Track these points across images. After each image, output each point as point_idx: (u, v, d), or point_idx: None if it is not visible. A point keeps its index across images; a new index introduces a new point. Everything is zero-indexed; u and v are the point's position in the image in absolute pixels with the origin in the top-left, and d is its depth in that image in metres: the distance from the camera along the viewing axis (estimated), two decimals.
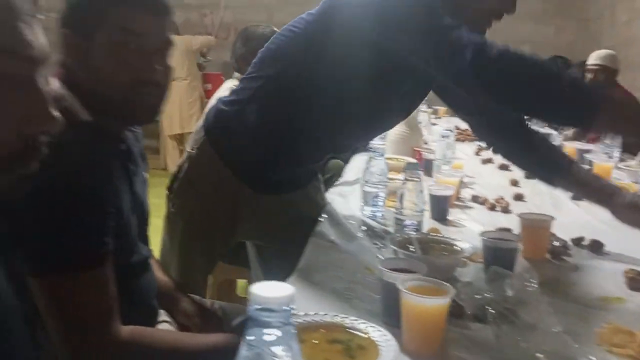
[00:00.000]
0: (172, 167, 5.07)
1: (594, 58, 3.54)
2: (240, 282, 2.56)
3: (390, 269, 0.92)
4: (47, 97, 0.56)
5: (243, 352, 0.47)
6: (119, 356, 0.90)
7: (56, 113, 0.56)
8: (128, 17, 0.93)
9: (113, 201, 0.91)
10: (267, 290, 0.46)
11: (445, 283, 0.85)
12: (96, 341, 0.88)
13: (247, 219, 1.49)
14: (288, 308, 0.47)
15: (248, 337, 0.47)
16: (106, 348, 0.89)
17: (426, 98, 5.01)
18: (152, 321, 1.15)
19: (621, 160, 2.27)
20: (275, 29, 2.06)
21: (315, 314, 0.82)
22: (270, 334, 0.46)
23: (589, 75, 3.54)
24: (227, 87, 2.22)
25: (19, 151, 0.54)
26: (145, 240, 1.11)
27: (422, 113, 2.92)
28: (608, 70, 3.46)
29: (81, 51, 0.93)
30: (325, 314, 0.83)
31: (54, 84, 0.93)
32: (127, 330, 0.92)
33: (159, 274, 1.26)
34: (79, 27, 0.93)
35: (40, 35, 0.55)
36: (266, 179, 1.46)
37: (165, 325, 1.21)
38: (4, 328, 0.64)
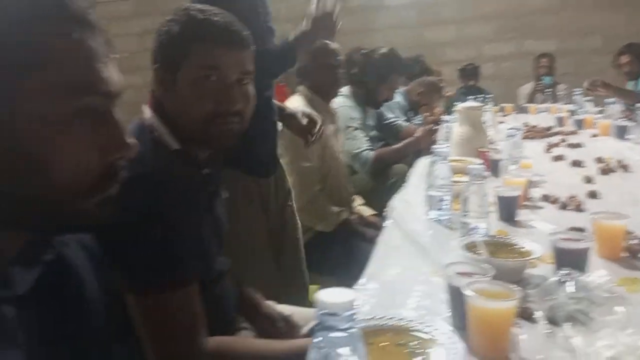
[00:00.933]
0: None
1: None
2: (313, 288, 2.61)
3: (456, 273, 0.92)
4: (122, 126, 0.62)
5: (312, 354, 0.51)
6: None
7: (131, 140, 0.63)
8: (208, 53, 1.01)
9: (198, 224, 1.00)
10: (331, 296, 0.49)
11: (512, 286, 0.85)
12: (186, 353, 0.95)
13: None
14: (351, 312, 0.50)
15: (315, 340, 0.50)
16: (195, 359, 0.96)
17: (492, 95, 4.84)
18: (232, 327, 1.22)
19: None
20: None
21: (382, 317, 0.85)
22: (336, 336, 0.50)
23: None
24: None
25: (100, 177, 0.61)
26: (221, 253, 1.19)
27: (487, 112, 2.85)
28: None
29: (168, 84, 1.02)
30: (392, 317, 0.85)
31: (147, 113, 1.03)
32: (212, 342, 0.99)
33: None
34: (167, 62, 1.02)
35: (115, 72, 0.62)
36: None
37: (244, 332, 1.27)
38: (99, 341, 0.71)
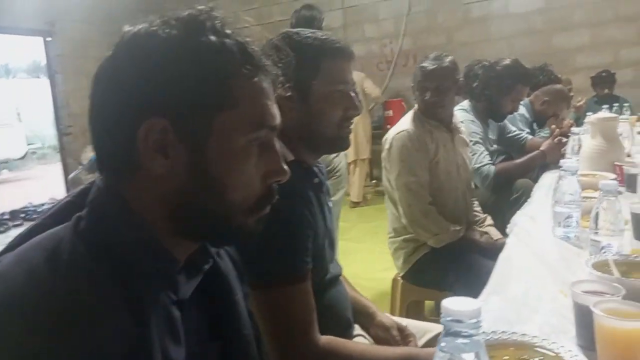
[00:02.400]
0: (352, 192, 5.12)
1: None
2: (429, 303, 2.60)
3: (583, 292, 0.91)
4: (281, 154, 0.73)
5: (437, 356, 0.56)
6: None
7: (286, 167, 0.73)
8: (338, 68, 1.15)
9: (313, 226, 1.10)
10: (457, 304, 0.54)
11: None
12: (300, 346, 1.04)
13: None
14: (476, 320, 0.54)
15: (441, 344, 0.55)
16: (308, 353, 1.05)
17: (629, 104, 4.47)
18: (347, 332, 1.29)
19: None
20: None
21: (504, 332, 0.86)
22: (461, 342, 0.54)
23: None
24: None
25: (260, 198, 0.71)
26: (334, 260, 1.28)
27: (623, 122, 2.66)
28: None
29: (296, 100, 1.13)
30: (515, 332, 0.86)
31: None
32: (324, 339, 1.07)
33: (352, 292, 1.40)
34: (297, 81, 1.12)
35: (276, 107, 0.73)
36: None
37: (359, 338, 1.34)
38: (246, 343, 0.80)
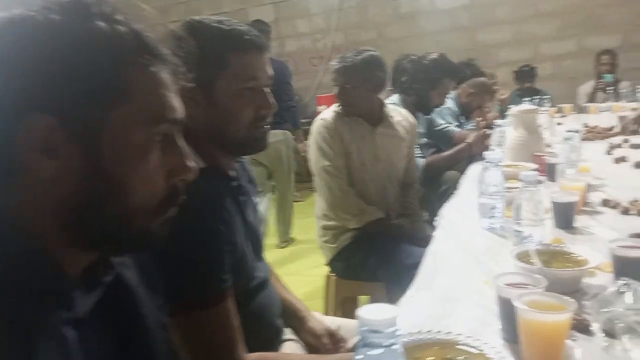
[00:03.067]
0: None
1: None
2: (364, 299, 2.60)
3: (507, 284, 0.91)
4: (186, 151, 0.67)
5: None
6: None
7: (193, 164, 0.67)
8: (247, 63, 1.03)
9: (230, 239, 1.00)
10: (372, 313, 0.50)
11: (566, 297, 0.82)
12: None
13: None
14: (393, 328, 0.51)
15: (357, 357, 0.51)
16: None
17: (550, 96, 4.71)
18: (277, 339, 1.23)
19: None
20: None
21: (428, 331, 0.84)
22: (377, 354, 0.50)
23: None
24: None
25: (166, 198, 0.65)
26: (261, 260, 1.20)
27: (543, 114, 2.76)
28: None
29: (200, 100, 1.02)
30: (439, 331, 0.85)
31: None
32: (253, 357, 1.00)
33: (284, 293, 1.35)
34: (200, 78, 1.00)
35: (178, 99, 0.66)
36: None
37: (290, 344, 1.28)
38: None
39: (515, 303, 0.81)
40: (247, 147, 1.09)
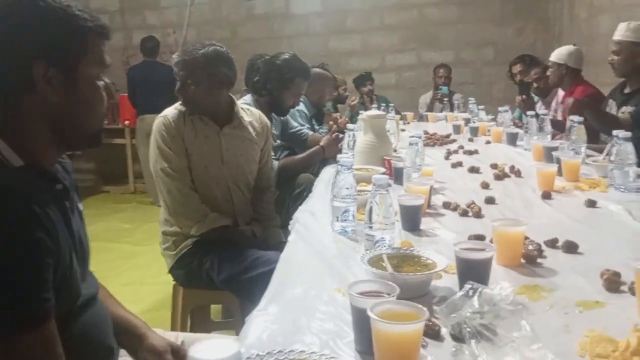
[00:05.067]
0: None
1: (552, 55, 3.56)
2: (215, 307, 2.48)
3: (360, 293, 0.87)
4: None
5: None
6: None
7: None
8: (102, 49, 0.98)
9: (53, 251, 0.85)
10: (208, 352, 0.40)
11: (418, 305, 0.80)
12: None
13: None
14: None
15: None
16: None
17: (393, 104, 4.99)
18: None
19: (588, 156, 2.28)
20: None
21: (279, 351, 0.77)
22: None
23: (550, 71, 3.56)
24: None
25: None
26: (89, 275, 1.05)
27: (390, 120, 2.88)
28: (566, 67, 3.46)
29: (59, 85, 0.92)
30: (291, 350, 0.77)
31: None
32: None
33: (118, 310, 1.19)
34: (58, 61, 0.92)
35: None
36: None
37: None
38: None
39: (370, 314, 0.77)
40: (95, 141, 1.02)
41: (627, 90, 2.82)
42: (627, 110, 2.71)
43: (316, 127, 3.56)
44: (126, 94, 5.49)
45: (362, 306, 0.82)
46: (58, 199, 0.94)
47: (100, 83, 0.99)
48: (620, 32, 2.76)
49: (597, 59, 4.12)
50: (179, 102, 2.02)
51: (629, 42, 2.71)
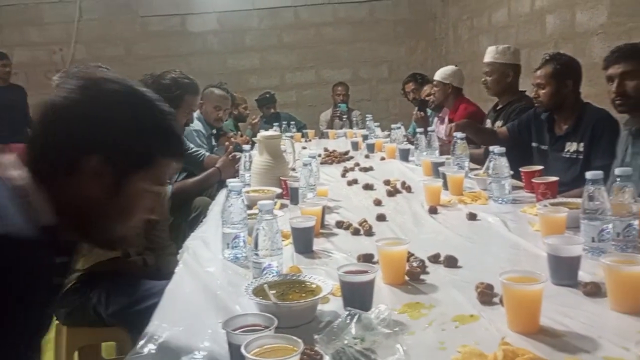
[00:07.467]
0: None
1: (437, 75, 3.77)
2: (105, 344, 2.31)
3: (237, 328, 0.84)
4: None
5: None
6: None
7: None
8: (166, 168, 0.99)
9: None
10: None
11: (293, 338, 0.79)
12: None
13: None
14: None
15: None
16: None
17: (293, 122, 5.02)
18: None
19: (471, 169, 2.42)
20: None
21: None
22: None
23: (435, 89, 3.77)
24: None
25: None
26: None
27: (287, 139, 2.89)
28: (447, 86, 3.68)
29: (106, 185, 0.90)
30: None
31: (18, 171, 0.87)
32: None
33: None
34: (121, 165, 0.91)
35: None
36: None
37: None
38: None
39: (243, 351, 0.74)
40: (112, 246, 1.06)
41: (499, 107, 3.08)
42: (498, 125, 2.94)
43: (214, 145, 3.49)
44: None
45: (237, 342, 0.79)
46: (52, 273, 0.88)
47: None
48: (491, 54, 3.03)
49: (479, 76, 4.43)
50: None
51: (499, 64, 2.98)
